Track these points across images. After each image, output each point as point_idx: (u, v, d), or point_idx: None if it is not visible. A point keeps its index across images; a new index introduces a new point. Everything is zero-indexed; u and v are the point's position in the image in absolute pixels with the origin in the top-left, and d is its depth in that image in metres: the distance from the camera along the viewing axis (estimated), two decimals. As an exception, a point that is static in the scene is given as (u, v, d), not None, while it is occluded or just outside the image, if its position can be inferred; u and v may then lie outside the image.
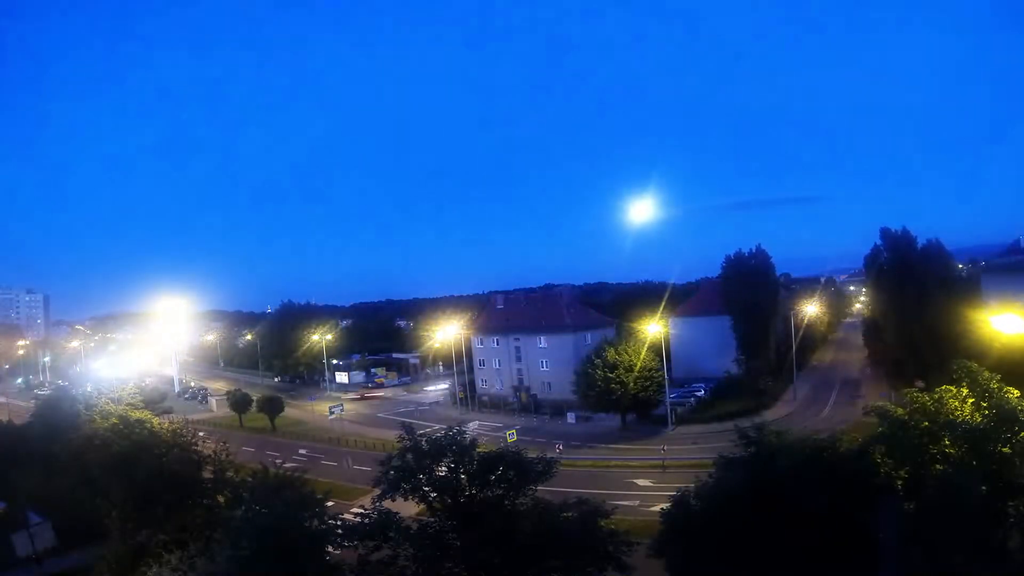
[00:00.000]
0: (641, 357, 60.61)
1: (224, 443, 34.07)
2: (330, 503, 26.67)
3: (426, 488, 22.73)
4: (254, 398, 79.04)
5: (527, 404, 74.77)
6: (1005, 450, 19.90)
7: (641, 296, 68.36)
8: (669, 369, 62.48)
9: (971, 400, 21.32)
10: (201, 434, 39.88)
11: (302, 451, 61.02)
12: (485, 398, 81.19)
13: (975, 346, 34.07)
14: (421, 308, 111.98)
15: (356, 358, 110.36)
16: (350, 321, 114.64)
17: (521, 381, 78.52)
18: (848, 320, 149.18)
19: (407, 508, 23.41)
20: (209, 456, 32.09)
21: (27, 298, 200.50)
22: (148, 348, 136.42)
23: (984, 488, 18.84)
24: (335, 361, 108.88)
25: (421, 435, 24.36)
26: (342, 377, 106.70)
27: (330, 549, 24.34)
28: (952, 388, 21.82)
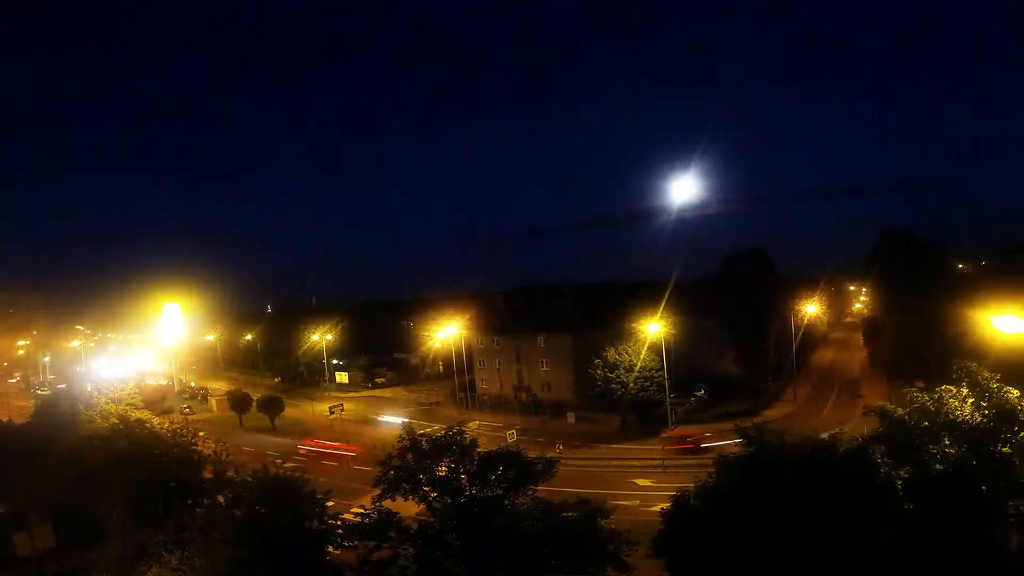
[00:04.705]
0: (641, 357, 60.60)
1: (224, 443, 34.07)
2: (330, 503, 26.70)
3: (426, 488, 22.75)
4: (254, 398, 79.02)
5: (527, 404, 74.76)
6: (1005, 450, 19.93)
7: (641, 296, 68.05)
8: (669, 369, 62.45)
9: (971, 400, 21.34)
10: (201, 434, 39.84)
11: (302, 451, 61.02)
12: (485, 398, 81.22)
13: (975, 346, 34.10)
14: (421, 308, 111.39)
15: (356, 358, 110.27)
16: (350, 321, 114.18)
17: (521, 381, 78.50)
18: (848, 320, 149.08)
19: (407, 508, 23.40)
20: (209, 456, 32.09)
21: (27, 298, 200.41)
22: (148, 348, 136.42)
23: (984, 488, 18.86)
24: (335, 361, 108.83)
25: (421, 435, 24.38)
26: (342, 377, 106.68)
27: (330, 549, 24.37)
28: (952, 388, 21.84)
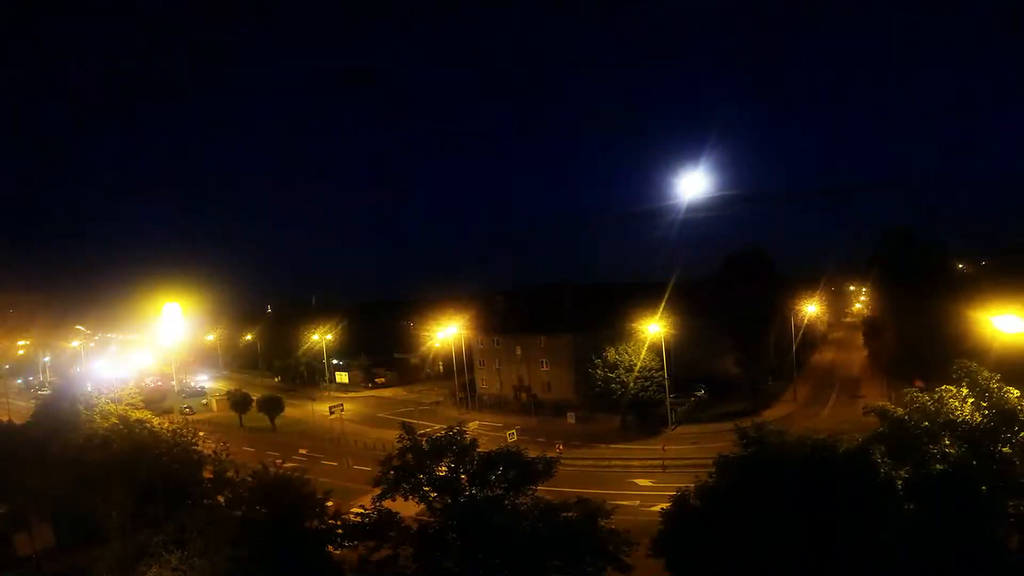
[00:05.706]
0: (641, 357, 60.63)
1: (224, 443, 34.07)
2: (330, 503, 26.71)
3: (426, 488, 22.77)
4: (254, 398, 79.06)
5: (527, 404, 74.76)
6: (1005, 450, 19.94)
7: (641, 296, 68.07)
8: (669, 369, 62.47)
9: (971, 400, 21.35)
10: (201, 434, 39.83)
11: (302, 451, 61.04)
12: (485, 398, 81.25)
13: (975, 346, 34.09)
14: (421, 308, 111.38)
15: (356, 358, 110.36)
16: (350, 321, 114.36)
17: (521, 381, 78.51)
18: (848, 320, 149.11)
19: (407, 508, 23.42)
20: (209, 456, 32.10)
21: (27, 298, 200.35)
22: (148, 348, 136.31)
23: (984, 488, 18.86)
24: (335, 361, 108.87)
25: (421, 435, 24.40)
26: (342, 377, 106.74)
27: (330, 549, 24.39)
28: (952, 388, 21.85)
